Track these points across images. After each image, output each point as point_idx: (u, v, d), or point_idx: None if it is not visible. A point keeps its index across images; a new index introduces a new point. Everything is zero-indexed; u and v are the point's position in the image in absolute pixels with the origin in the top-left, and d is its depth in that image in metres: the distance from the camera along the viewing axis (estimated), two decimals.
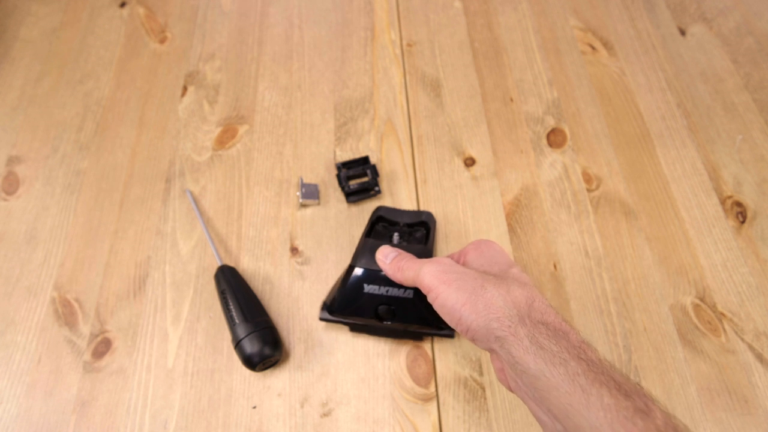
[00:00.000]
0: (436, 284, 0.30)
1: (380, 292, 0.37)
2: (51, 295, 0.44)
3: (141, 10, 0.62)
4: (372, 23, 0.61)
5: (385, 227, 0.45)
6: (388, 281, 0.37)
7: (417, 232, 0.44)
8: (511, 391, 0.30)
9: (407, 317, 0.38)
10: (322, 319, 0.40)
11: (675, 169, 0.51)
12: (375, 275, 0.37)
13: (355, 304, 0.38)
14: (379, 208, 0.46)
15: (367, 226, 0.44)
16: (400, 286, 0.37)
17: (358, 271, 0.38)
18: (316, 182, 0.50)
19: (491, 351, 0.30)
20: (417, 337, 0.42)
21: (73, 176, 0.50)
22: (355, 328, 0.42)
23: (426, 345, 0.42)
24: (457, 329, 0.30)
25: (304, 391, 0.40)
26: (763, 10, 0.62)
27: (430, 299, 0.31)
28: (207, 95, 0.55)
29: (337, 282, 0.41)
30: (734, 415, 0.40)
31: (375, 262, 0.37)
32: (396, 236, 0.43)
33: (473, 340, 0.30)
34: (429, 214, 0.46)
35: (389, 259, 0.36)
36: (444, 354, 0.42)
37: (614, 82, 0.57)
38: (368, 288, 0.37)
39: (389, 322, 0.38)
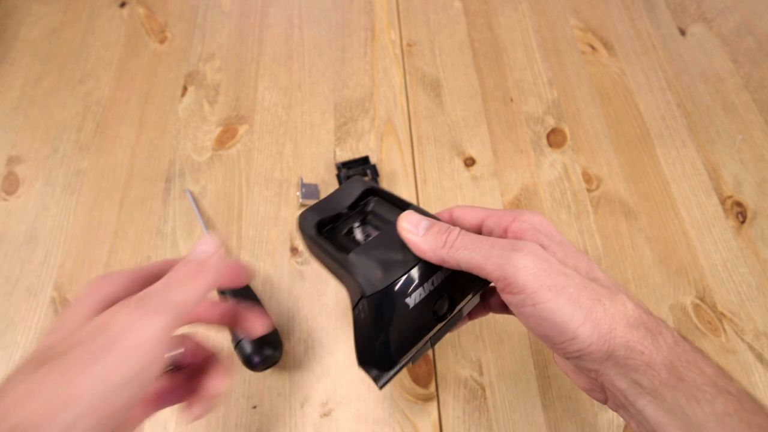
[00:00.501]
0: (537, 288, 0.23)
1: (427, 291, 0.27)
2: (51, 295, 0.44)
3: (141, 10, 0.62)
4: (372, 23, 0.61)
5: (333, 228, 0.33)
6: (427, 270, 0.27)
7: (368, 206, 0.33)
8: (610, 407, 0.25)
9: (464, 289, 0.29)
10: (383, 386, 0.29)
11: (675, 169, 0.51)
12: (408, 280, 0.27)
13: (409, 332, 0.28)
14: (304, 215, 0.32)
15: (319, 242, 0.30)
16: (432, 263, 0.27)
17: (387, 294, 0.26)
18: (316, 182, 0.50)
19: (593, 371, 0.23)
20: (474, 303, 0.32)
21: (73, 176, 0.50)
22: (416, 357, 0.30)
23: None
24: (559, 345, 0.23)
25: (304, 391, 0.40)
26: (763, 10, 0.62)
27: (517, 302, 0.23)
28: (207, 95, 0.55)
29: (361, 328, 0.29)
30: None
31: (393, 268, 0.27)
32: (358, 229, 0.32)
33: (578, 358, 0.23)
34: (358, 179, 0.34)
35: (422, 229, 0.26)
36: (444, 354, 0.42)
37: (614, 82, 0.57)
38: (412, 298, 0.27)
39: (451, 313, 0.29)
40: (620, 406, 0.24)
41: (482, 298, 0.33)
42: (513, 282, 0.23)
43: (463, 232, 0.26)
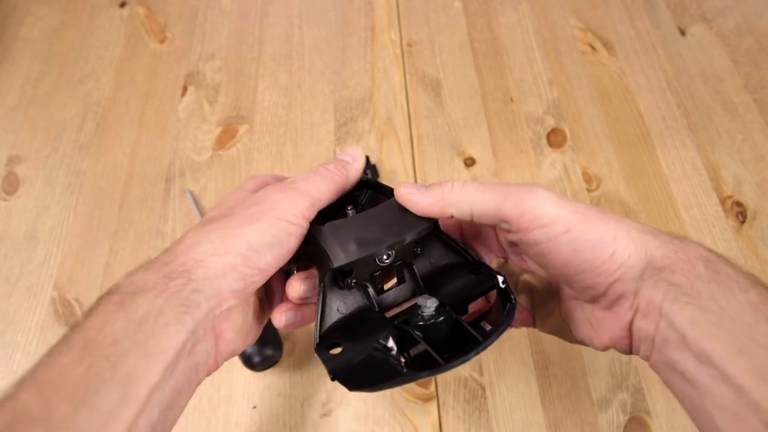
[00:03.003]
0: (564, 214, 0.22)
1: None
2: (51, 295, 0.44)
3: (141, 10, 0.62)
4: (372, 23, 0.61)
5: (325, 214, 0.28)
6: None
7: (362, 198, 0.31)
8: (636, 353, 0.24)
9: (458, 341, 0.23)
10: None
11: (675, 169, 0.51)
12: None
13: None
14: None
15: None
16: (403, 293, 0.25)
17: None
18: None
19: (630, 294, 0.22)
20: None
21: (73, 176, 0.50)
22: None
23: None
24: (599, 269, 0.22)
25: (304, 391, 0.40)
26: (763, 10, 0.62)
27: (548, 236, 0.23)
28: (207, 95, 0.55)
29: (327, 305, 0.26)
30: None
31: (367, 243, 0.24)
32: (350, 212, 0.29)
33: (618, 280, 0.22)
34: None
35: (422, 188, 0.25)
36: None
37: (614, 82, 0.57)
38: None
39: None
40: (648, 339, 0.22)
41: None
42: (539, 214, 0.23)
43: (464, 183, 0.25)
